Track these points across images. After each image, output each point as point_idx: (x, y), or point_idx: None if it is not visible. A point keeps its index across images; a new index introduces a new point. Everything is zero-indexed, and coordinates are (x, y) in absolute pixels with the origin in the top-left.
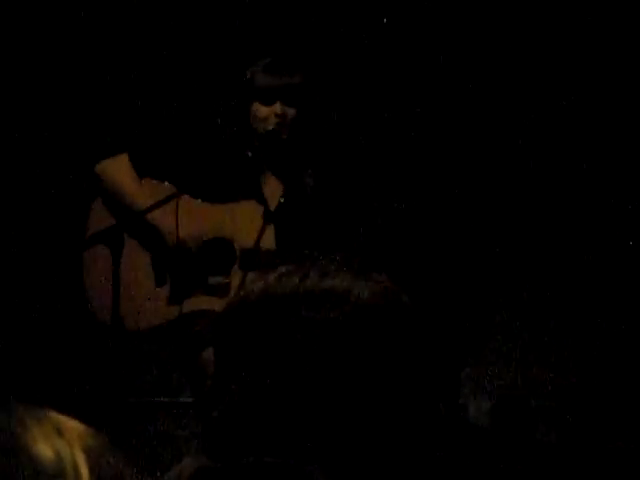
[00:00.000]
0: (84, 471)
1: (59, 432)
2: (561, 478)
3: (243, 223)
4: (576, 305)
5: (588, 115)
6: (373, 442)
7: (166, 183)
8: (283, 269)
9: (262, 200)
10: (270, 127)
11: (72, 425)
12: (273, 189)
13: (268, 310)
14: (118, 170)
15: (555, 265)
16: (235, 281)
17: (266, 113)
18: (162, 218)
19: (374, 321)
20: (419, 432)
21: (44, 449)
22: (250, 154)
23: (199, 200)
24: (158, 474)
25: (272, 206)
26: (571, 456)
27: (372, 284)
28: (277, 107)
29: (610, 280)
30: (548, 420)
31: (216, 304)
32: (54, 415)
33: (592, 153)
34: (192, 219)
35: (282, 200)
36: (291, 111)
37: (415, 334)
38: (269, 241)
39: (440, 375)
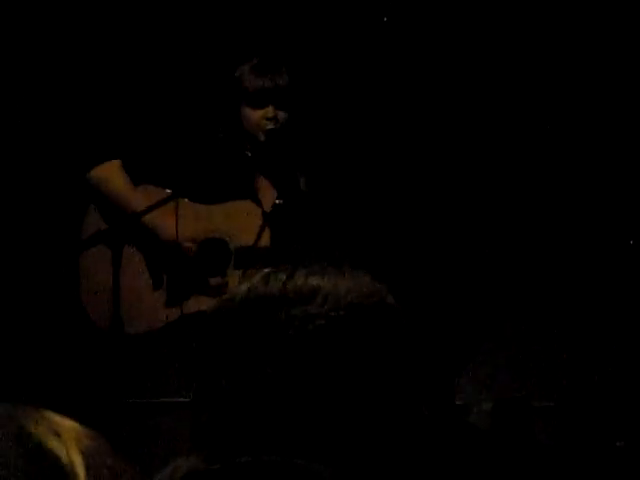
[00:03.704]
0: (81, 472)
1: (57, 433)
2: (560, 479)
3: (238, 223)
4: (575, 306)
5: (588, 115)
6: (361, 438)
7: (162, 187)
8: (268, 269)
9: (256, 200)
10: (267, 129)
11: (70, 426)
12: (266, 190)
13: (255, 309)
14: (111, 175)
15: (555, 265)
16: (232, 281)
17: (259, 117)
18: (159, 221)
19: (360, 319)
20: (408, 430)
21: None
22: (249, 154)
23: (192, 201)
24: (159, 475)
25: (266, 207)
26: (570, 457)
27: (356, 283)
28: (269, 110)
29: (609, 280)
30: (548, 421)
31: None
32: (52, 416)
33: (592, 155)
34: (187, 220)
35: (278, 202)
36: (282, 114)
37: (399, 332)
38: (265, 241)
39: (426, 373)
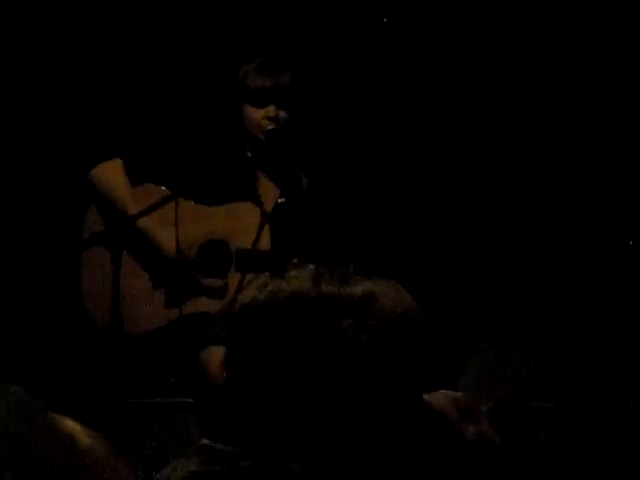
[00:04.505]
0: (82, 471)
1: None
2: (560, 479)
3: (239, 224)
4: (575, 306)
5: (588, 115)
6: (378, 450)
7: (162, 187)
8: (312, 268)
9: (258, 201)
10: (266, 129)
11: (70, 425)
12: (267, 190)
13: (308, 310)
14: (110, 175)
15: (555, 265)
16: (232, 283)
17: (260, 116)
18: (159, 222)
19: (406, 332)
20: (413, 445)
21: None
22: (249, 154)
23: (194, 202)
24: (157, 476)
25: (267, 207)
26: (570, 457)
27: (401, 293)
28: (271, 109)
29: (609, 280)
30: (547, 421)
31: (213, 306)
32: (54, 416)
33: (592, 155)
34: (187, 222)
35: (280, 201)
36: (284, 113)
37: (429, 347)
38: (265, 242)
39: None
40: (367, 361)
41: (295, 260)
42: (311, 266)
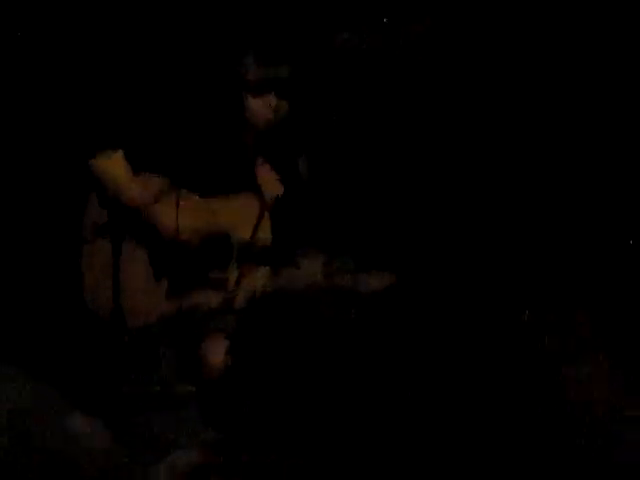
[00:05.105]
0: (82, 465)
1: None
2: (559, 479)
3: (240, 216)
4: (575, 307)
5: (588, 115)
6: (376, 448)
7: (163, 178)
8: (324, 259)
9: (258, 191)
10: (266, 119)
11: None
12: (268, 180)
13: (320, 298)
14: (112, 165)
15: (554, 265)
16: (232, 275)
17: (259, 105)
18: (160, 212)
19: (406, 330)
20: (417, 434)
21: None
22: (250, 145)
23: (195, 193)
24: (159, 466)
25: (268, 197)
26: (568, 457)
27: (401, 290)
28: (271, 99)
29: (609, 280)
30: (547, 421)
31: (214, 298)
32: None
33: (592, 155)
34: (189, 213)
35: (281, 190)
36: (284, 103)
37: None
38: (265, 232)
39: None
40: (373, 359)
41: (306, 250)
42: (323, 257)
